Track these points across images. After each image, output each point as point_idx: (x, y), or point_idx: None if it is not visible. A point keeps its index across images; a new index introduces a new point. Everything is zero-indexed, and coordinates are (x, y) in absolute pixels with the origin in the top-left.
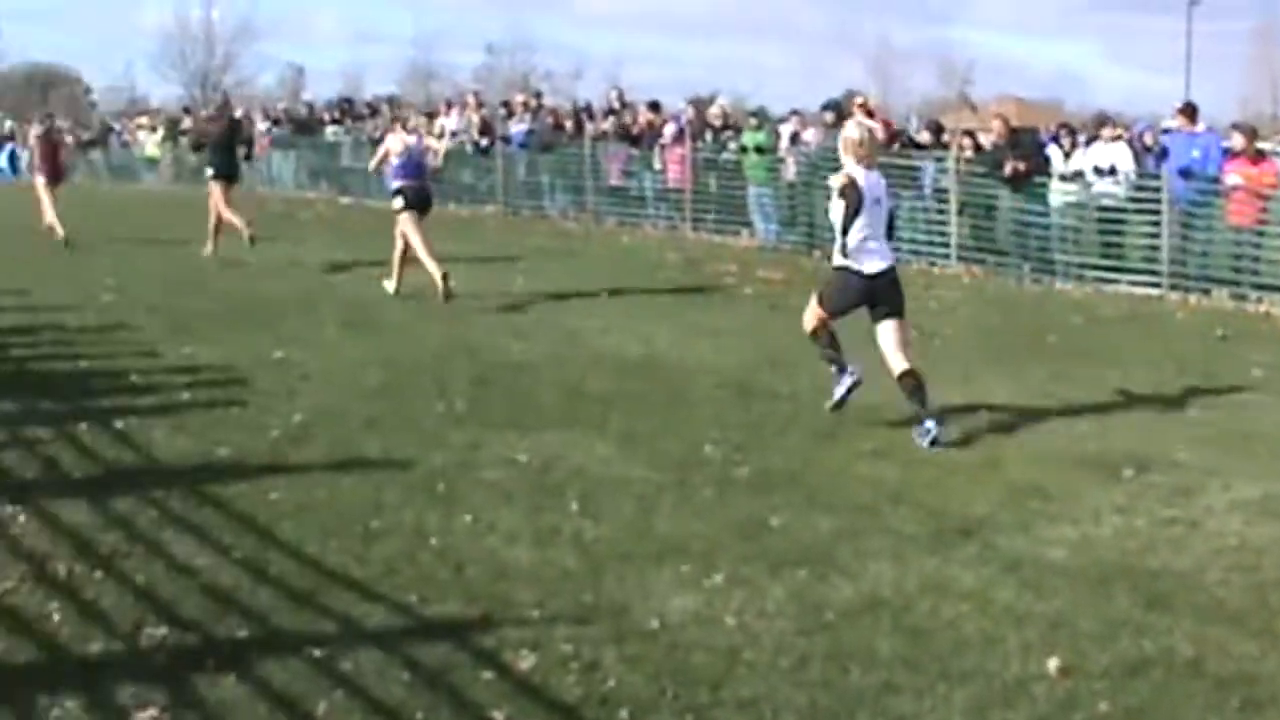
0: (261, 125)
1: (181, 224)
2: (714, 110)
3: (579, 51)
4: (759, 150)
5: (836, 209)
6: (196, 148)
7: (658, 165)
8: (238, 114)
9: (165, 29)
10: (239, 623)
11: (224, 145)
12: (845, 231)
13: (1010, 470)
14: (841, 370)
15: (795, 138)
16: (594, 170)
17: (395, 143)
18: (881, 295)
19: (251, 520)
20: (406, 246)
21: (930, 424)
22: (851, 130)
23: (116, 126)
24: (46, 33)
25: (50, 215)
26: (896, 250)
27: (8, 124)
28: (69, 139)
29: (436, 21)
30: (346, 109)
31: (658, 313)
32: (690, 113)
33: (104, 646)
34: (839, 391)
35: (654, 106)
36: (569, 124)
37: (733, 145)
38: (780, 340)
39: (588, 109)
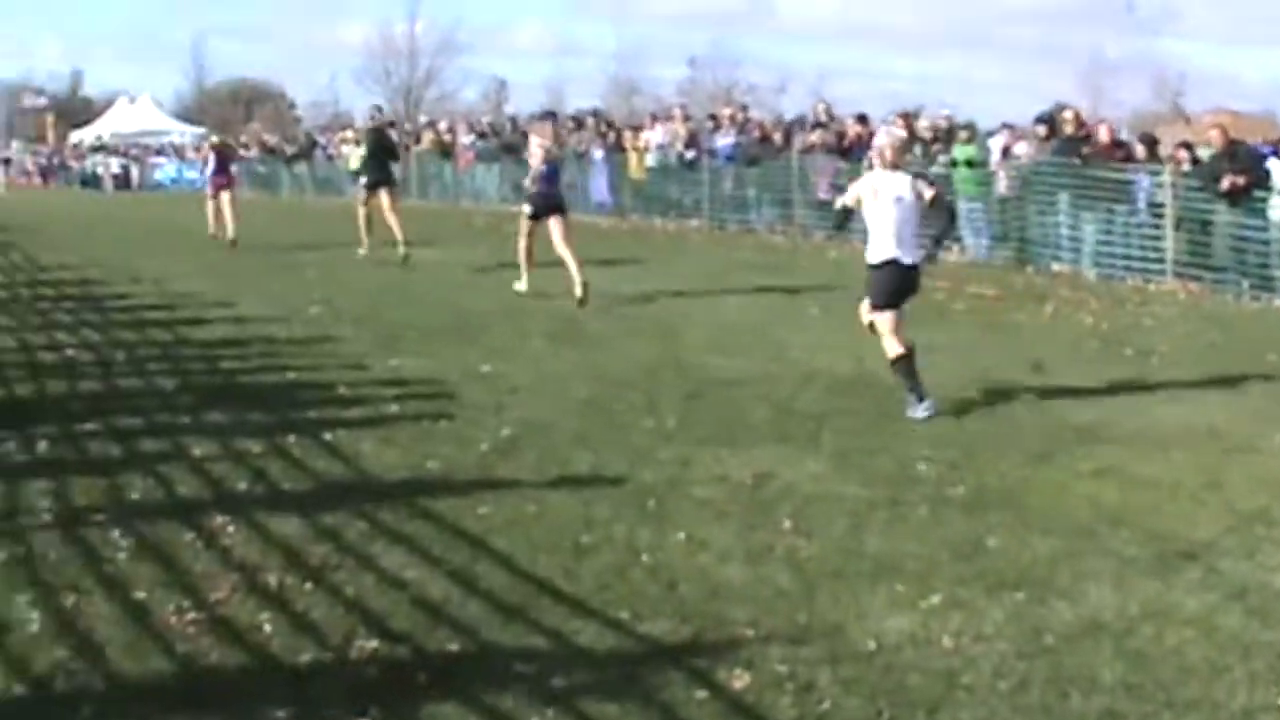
0: (465, 139)
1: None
2: (924, 123)
3: (782, 65)
4: (969, 164)
5: (877, 210)
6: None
7: None
8: (389, 126)
9: (369, 44)
10: (449, 637)
11: (374, 155)
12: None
13: (1233, 493)
14: (920, 399)
15: (1006, 151)
16: (801, 184)
17: (537, 149)
18: (913, 287)
19: (461, 533)
20: (528, 247)
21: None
22: (880, 138)
23: (321, 140)
24: (252, 49)
25: (219, 221)
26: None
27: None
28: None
29: (639, 35)
30: (551, 121)
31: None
32: (899, 125)
33: (314, 658)
34: (918, 413)
35: (862, 119)
36: (776, 137)
37: (942, 159)
38: (993, 357)
39: (799, 121)
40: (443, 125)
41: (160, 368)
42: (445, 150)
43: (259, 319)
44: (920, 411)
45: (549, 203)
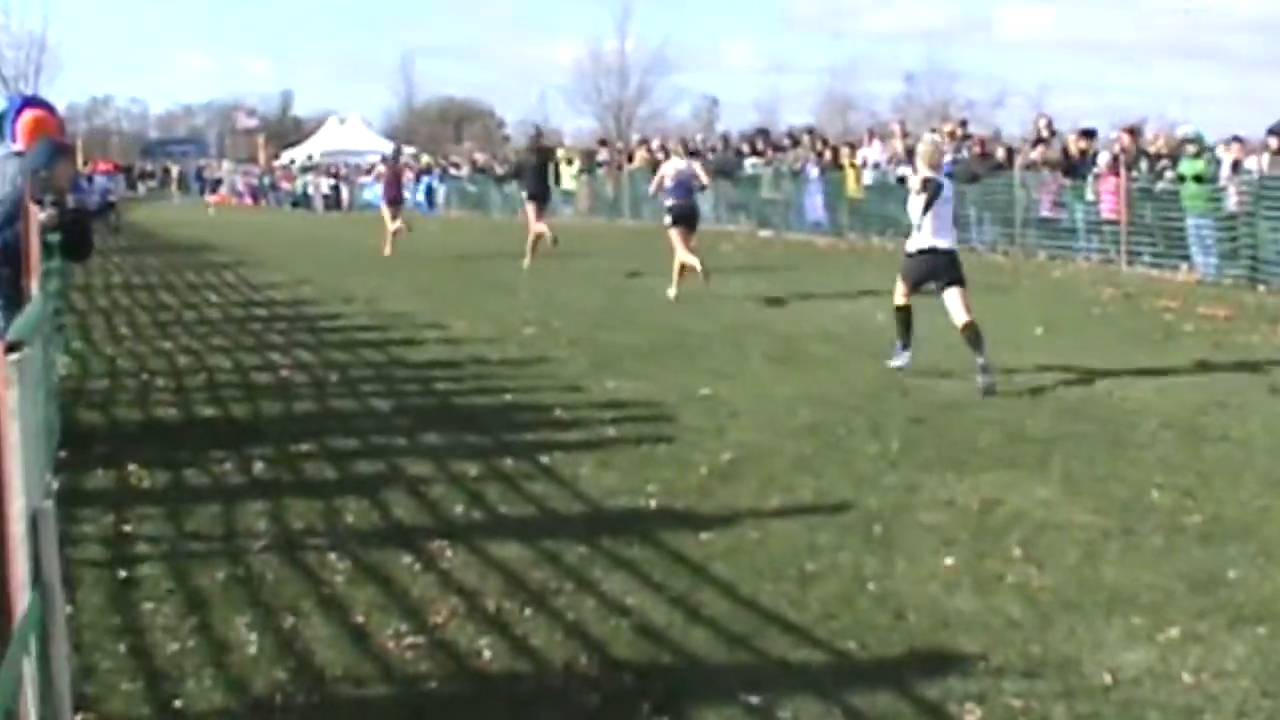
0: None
1: (599, 256)
2: (1151, 137)
3: (1000, 79)
4: (1198, 179)
5: (916, 203)
6: (515, 174)
7: (1090, 195)
8: (553, 145)
9: (579, 62)
10: (673, 664)
11: (536, 172)
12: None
13: None
14: (904, 347)
15: (1237, 165)
16: (1023, 201)
17: (669, 168)
18: (943, 269)
19: (683, 559)
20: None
21: (984, 375)
22: (926, 143)
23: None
24: (461, 68)
25: (390, 235)
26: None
27: (424, 158)
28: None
29: (853, 50)
30: (764, 140)
31: (1095, 350)
32: (1124, 140)
33: (535, 684)
34: (895, 362)
35: (1086, 134)
36: (997, 153)
37: (1169, 174)
38: (1227, 381)
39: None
40: (655, 144)
41: (374, 389)
42: (658, 169)
43: (473, 340)
44: (895, 360)
45: (685, 212)
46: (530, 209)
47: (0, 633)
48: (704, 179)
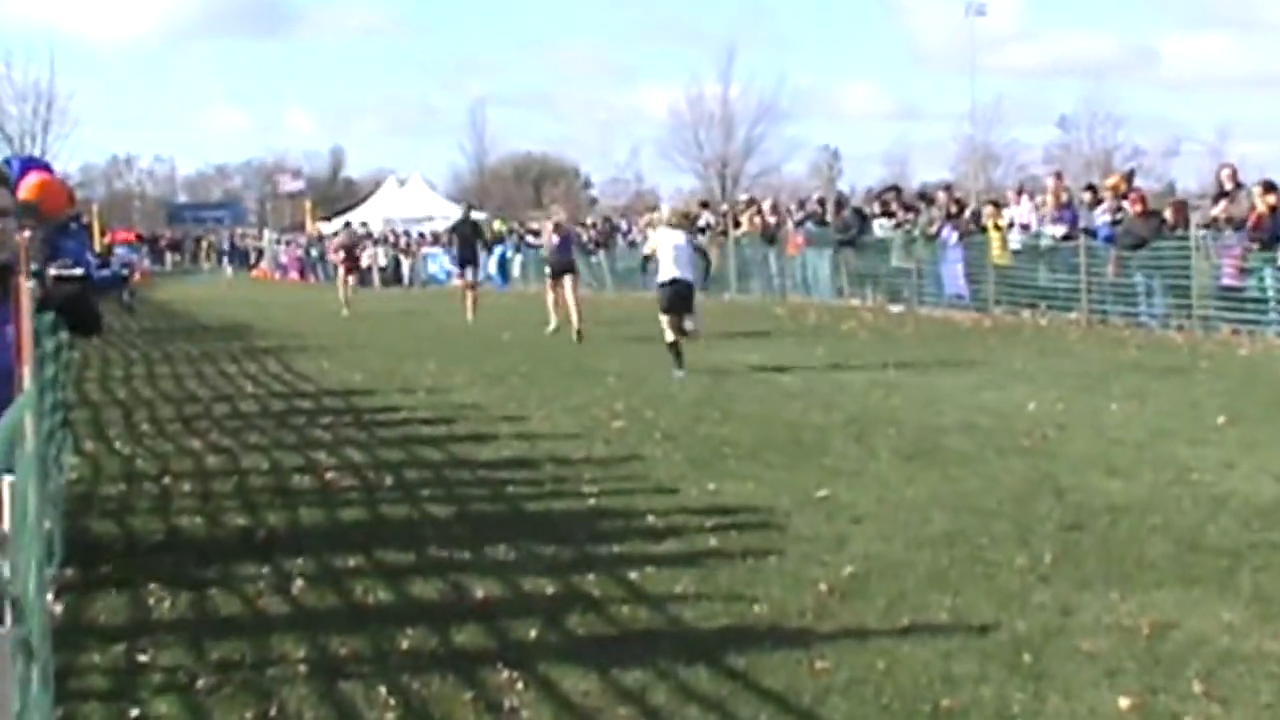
0: (794, 221)
1: (701, 337)
2: None
3: (1172, 122)
4: None
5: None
6: (449, 243)
7: None
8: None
9: (675, 111)
10: None
11: (467, 241)
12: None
13: None
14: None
15: None
16: (1202, 268)
17: (548, 226)
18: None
19: (796, 693)
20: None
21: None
22: (661, 212)
23: (621, 225)
24: (536, 119)
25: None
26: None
27: (496, 224)
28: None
29: (996, 92)
30: (894, 199)
31: None
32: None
33: None
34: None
35: (1270, 187)
36: (1168, 211)
37: None
38: None
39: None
40: (766, 204)
41: (434, 493)
42: (769, 234)
43: (551, 435)
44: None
45: (562, 265)
46: (467, 272)
47: None
48: (708, 252)
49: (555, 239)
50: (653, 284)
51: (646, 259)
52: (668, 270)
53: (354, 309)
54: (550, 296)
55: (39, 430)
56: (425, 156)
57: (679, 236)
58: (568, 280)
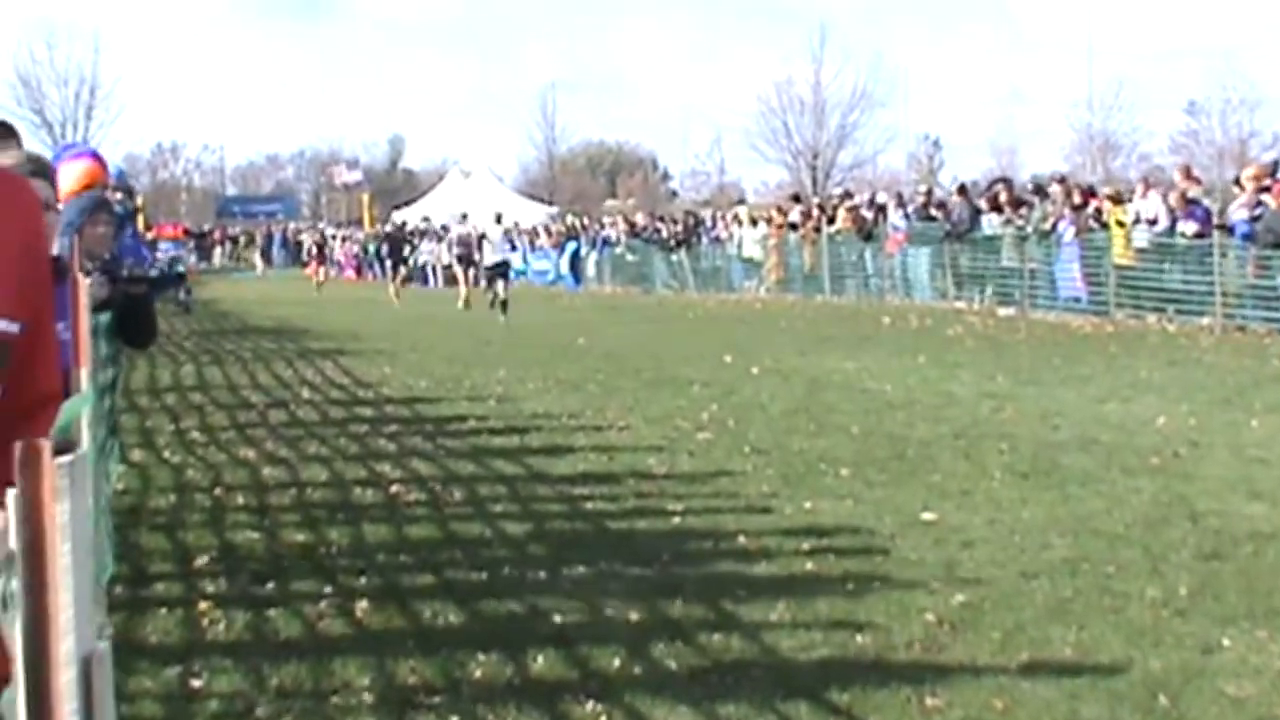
0: (895, 216)
1: (791, 341)
2: None
3: None
4: None
5: None
6: (379, 248)
7: None
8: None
9: (762, 97)
10: None
11: (396, 247)
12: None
13: None
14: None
15: None
16: None
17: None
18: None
19: None
20: None
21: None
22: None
23: (705, 219)
24: (612, 107)
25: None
26: None
27: (569, 218)
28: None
29: (1115, 75)
30: (1004, 192)
31: None
32: None
33: None
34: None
35: None
36: None
37: None
38: None
39: None
40: (861, 198)
41: (507, 509)
42: (866, 231)
43: (632, 448)
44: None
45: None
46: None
47: None
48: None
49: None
50: (739, 285)
51: None
52: None
53: (413, 308)
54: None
55: (94, 436)
56: (491, 146)
57: None
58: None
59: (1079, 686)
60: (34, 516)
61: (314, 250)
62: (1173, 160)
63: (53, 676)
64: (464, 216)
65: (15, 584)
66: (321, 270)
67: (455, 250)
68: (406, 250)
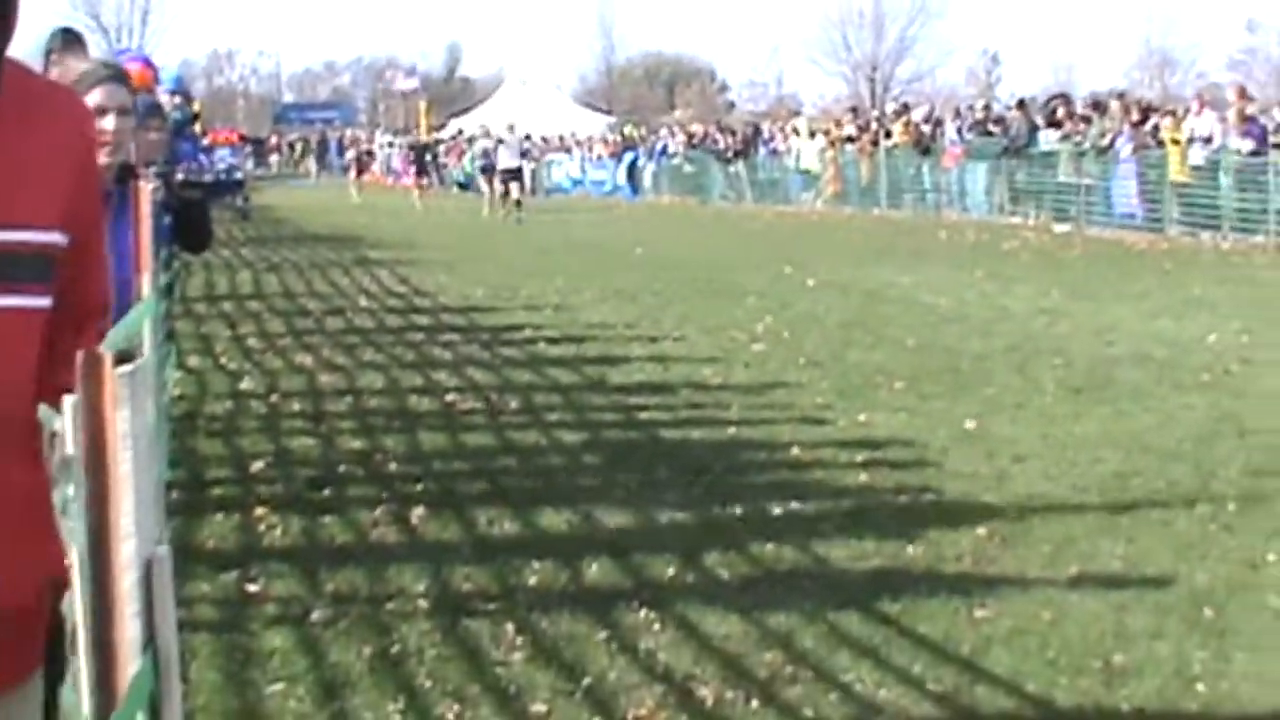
0: (951, 131)
1: (847, 254)
2: None
3: None
4: None
5: None
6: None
7: None
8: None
9: (822, 9)
10: None
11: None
12: None
13: None
14: None
15: None
16: None
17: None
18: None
19: (952, 644)
20: None
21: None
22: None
23: (764, 131)
24: (669, 17)
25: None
26: None
27: (627, 129)
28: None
29: None
30: (1062, 108)
31: None
32: None
33: None
34: None
35: None
36: None
37: None
38: None
39: None
40: (919, 113)
41: (563, 418)
42: (924, 145)
43: (688, 359)
44: None
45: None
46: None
47: (103, 709)
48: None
49: None
50: (795, 197)
51: None
52: None
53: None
54: None
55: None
56: (549, 55)
57: None
58: None
59: (1126, 599)
60: (95, 424)
61: (356, 161)
62: (1230, 78)
63: (114, 580)
64: (511, 128)
65: (71, 490)
66: (359, 181)
67: (478, 161)
68: (428, 159)
